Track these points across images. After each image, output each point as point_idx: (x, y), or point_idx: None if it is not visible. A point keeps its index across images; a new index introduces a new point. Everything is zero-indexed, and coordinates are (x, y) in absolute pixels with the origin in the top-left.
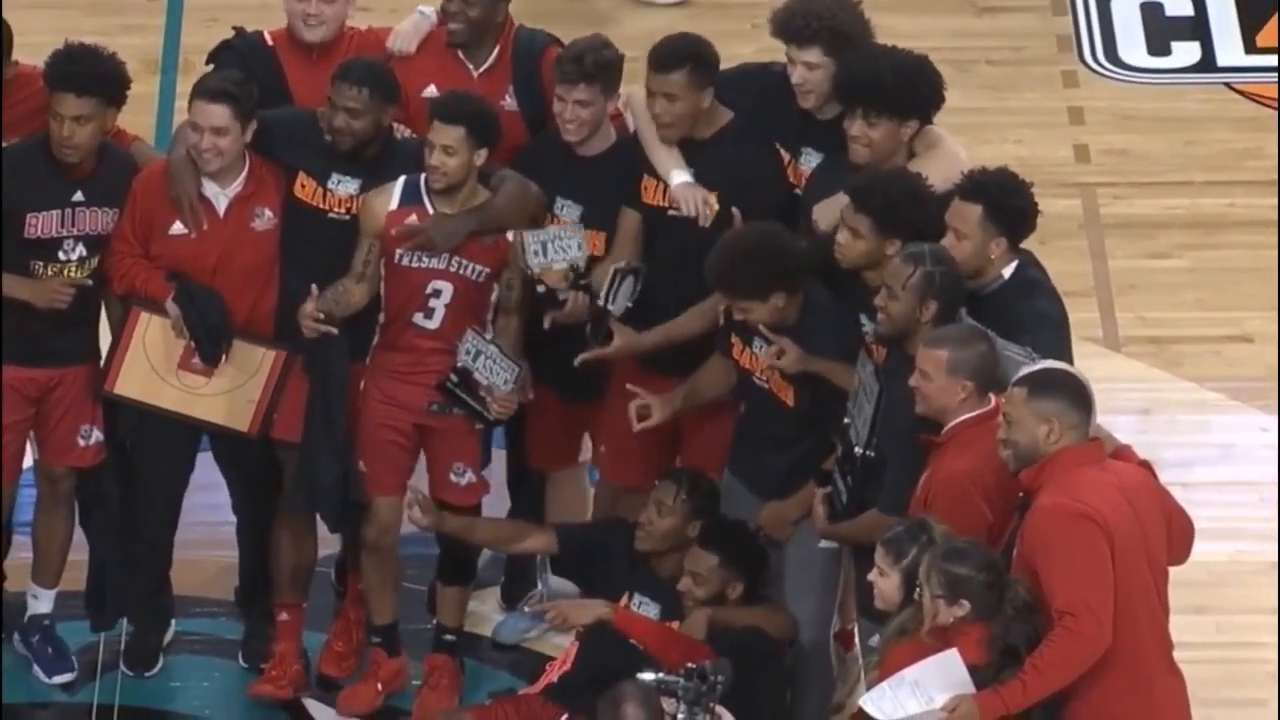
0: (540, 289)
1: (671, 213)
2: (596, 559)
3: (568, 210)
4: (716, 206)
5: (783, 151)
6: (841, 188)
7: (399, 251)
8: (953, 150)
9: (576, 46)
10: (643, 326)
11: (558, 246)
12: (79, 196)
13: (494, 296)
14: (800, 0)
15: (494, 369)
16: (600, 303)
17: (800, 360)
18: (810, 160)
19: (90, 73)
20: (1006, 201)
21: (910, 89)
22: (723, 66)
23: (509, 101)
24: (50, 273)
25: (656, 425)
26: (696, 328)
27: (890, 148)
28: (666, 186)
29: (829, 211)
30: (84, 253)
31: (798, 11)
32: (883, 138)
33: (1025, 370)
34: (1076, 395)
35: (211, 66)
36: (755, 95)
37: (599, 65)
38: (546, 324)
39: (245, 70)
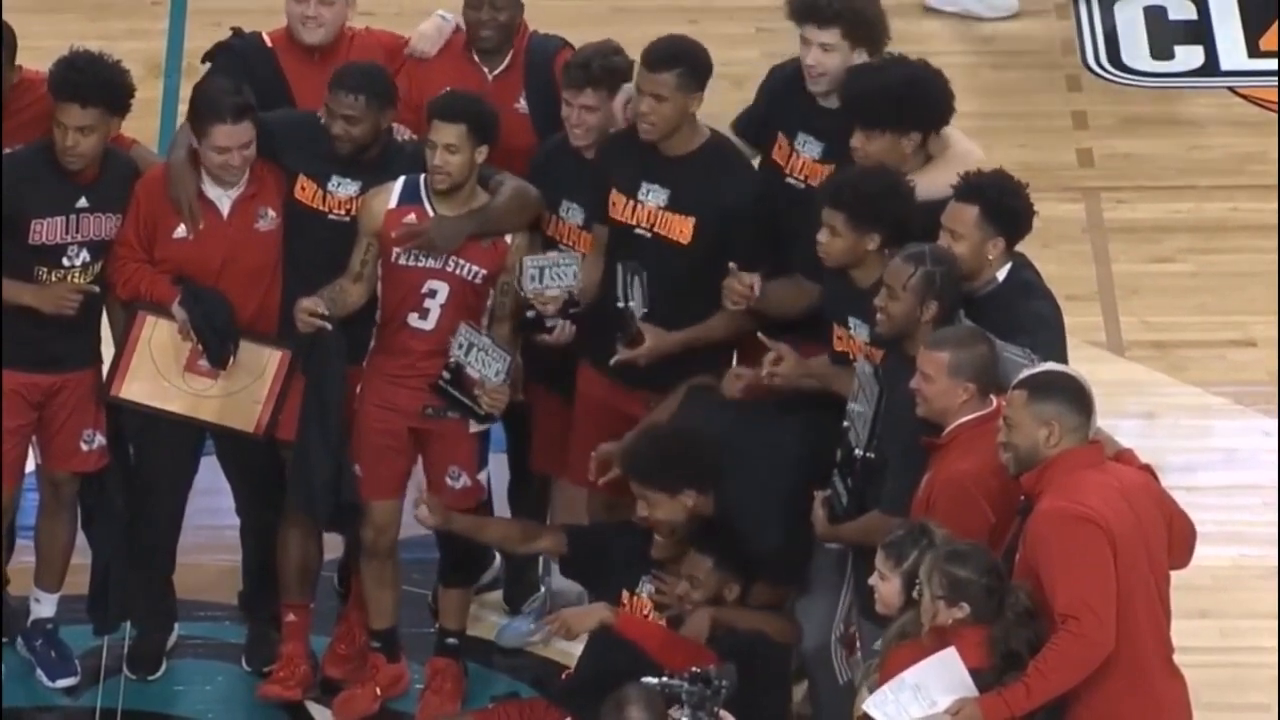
0: (530, 314)
1: (638, 232)
2: (605, 559)
3: (573, 213)
4: None
5: (783, 139)
6: None
7: (396, 251)
8: (965, 150)
9: (585, 52)
10: (600, 340)
11: (554, 273)
12: (83, 203)
13: (489, 302)
14: None
15: (486, 360)
16: (620, 304)
17: (799, 366)
18: (809, 149)
19: (94, 82)
20: (1004, 202)
21: (905, 103)
22: (727, 71)
23: (521, 105)
24: (54, 279)
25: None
26: (722, 332)
27: (891, 161)
28: (635, 204)
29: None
30: (88, 258)
31: None
32: (880, 151)
33: (1026, 373)
34: (1077, 398)
35: (208, 65)
36: (765, 91)
37: (606, 70)
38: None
39: (244, 71)
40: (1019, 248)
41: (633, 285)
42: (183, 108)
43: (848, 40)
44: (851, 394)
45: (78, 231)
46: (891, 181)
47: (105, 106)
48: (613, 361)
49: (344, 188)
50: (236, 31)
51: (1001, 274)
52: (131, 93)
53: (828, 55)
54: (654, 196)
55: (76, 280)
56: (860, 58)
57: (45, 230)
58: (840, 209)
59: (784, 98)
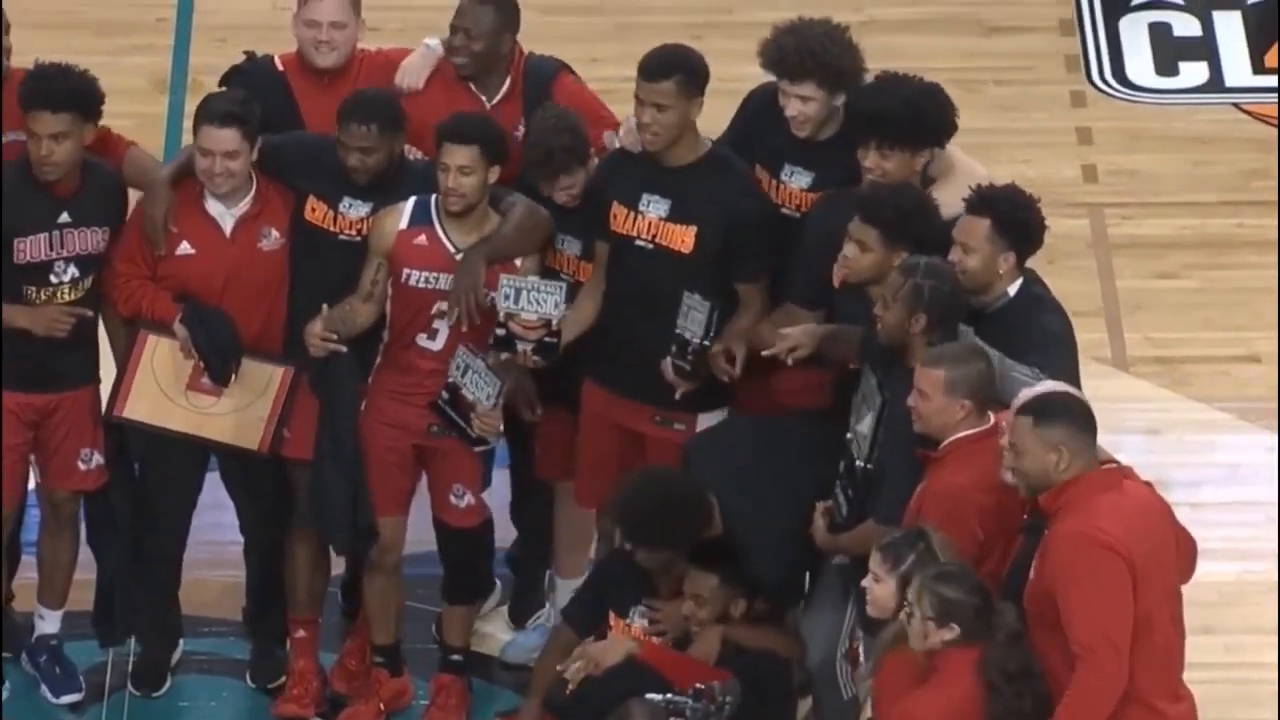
0: (501, 331)
1: (639, 244)
2: (606, 607)
3: (569, 244)
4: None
5: (762, 172)
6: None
7: (406, 271)
8: (970, 167)
9: (540, 146)
10: (603, 356)
11: (532, 297)
12: (65, 218)
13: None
14: (791, 35)
15: (479, 384)
16: (700, 341)
17: (812, 334)
18: (796, 179)
19: (62, 88)
20: (1015, 216)
21: (922, 119)
22: (730, 87)
23: (521, 132)
24: (44, 296)
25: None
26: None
27: (904, 178)
28: (636, 215)
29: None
30: (76, 274)
31: (790, 49)
32: (896, 168)
33: (1027, 396)
34: (1081, 419)
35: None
36: (742, 115)
37: (567, 151)
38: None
39: (255, 95)
40: (1027, 263)
41: (714, 322)
42: (187, 124)
43: (824, 89)
44: (854, 406)
45: (62, 247)
46: (925, 200)
47: (75, 110)
48: (678, 395)
49: (355, 209)
50: (249, 55)
51: (1013, 289)
52: (101, 99)
53: (807, 105)
54: (655, 207)
55: (66, 296)
56: (841, 98)
57: (30, 248)
58: (874, 224)
59: (761, 130)
